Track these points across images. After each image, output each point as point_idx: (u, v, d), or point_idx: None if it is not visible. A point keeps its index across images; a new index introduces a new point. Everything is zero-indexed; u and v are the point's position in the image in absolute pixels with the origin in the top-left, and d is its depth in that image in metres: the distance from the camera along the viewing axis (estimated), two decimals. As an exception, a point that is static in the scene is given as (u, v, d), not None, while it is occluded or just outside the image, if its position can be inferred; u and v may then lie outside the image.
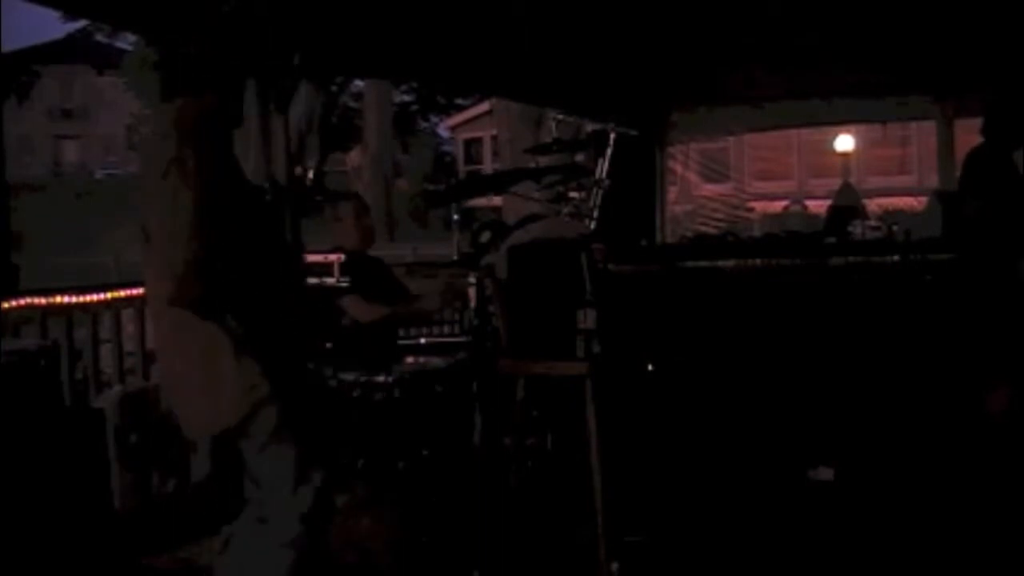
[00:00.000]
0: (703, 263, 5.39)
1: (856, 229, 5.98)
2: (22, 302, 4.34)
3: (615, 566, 3.25)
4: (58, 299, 4.69)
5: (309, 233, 3.72)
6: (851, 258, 5.37)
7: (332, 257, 3.89)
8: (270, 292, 2.73)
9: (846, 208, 6.79)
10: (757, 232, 10.39)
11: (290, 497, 2.70)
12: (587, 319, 3.30)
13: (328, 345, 4.17)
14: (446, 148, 35.77)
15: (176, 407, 2.84)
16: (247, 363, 2.62)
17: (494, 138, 23.34)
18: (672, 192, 9.88)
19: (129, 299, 5.06)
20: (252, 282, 2.66)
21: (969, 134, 5.68)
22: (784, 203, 17.10)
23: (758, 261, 5.37)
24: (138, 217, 2.74)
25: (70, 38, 35.47)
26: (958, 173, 5.14)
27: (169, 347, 2.77)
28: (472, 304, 3.46)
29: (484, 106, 27.06)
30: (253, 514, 2.77)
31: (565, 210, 3.77)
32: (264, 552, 2.72)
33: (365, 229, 4.50)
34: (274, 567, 2.71)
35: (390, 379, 3.95)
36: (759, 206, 16.85)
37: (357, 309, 4.16)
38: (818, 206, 12.33)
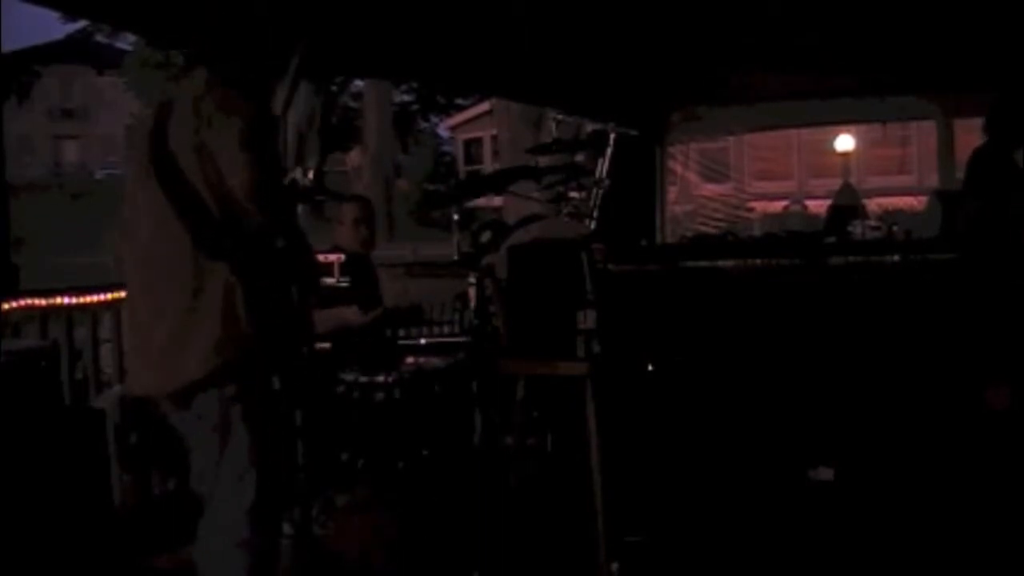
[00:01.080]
0: (703, 263, 5.38)
1: (856, 229, 5.97)
2: (22, 302, 4.34)
3: (615, 566, 3.25)
4: (58, 299, 4.68)
5: (310, 233, 3.71)
6: (851, 258, 5.36)
7: (332, 257, 3.89)
8: (274, 260, 2.68)
9: (846, 208, 6.79)
10: (757, 232, 10.40)
11: (234, 488, 2.61)
12: (587, 319, 3.30)
13: (327, 345, 4.17)
14: (446, 148, 35.76)
15: (134, 363, 2.76)
16: (233, 321, 2.55)
17: (494, 138, 23.33)
18: (672, 192, 9.89)
19: (129, 299, 5.05)
20: (259, 244, 2.61)
21: (969, 134, 5.68)
22: (784, 203, 17.14)
23: (758, 261, 5.36)
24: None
25: (70, 38, 35.42)
26: (958, 173, 5.15)
27: (144, 292, 2.68)
28: (472, 304, 3.46)
29: (484, 106, 27.05)
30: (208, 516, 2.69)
31: (565, 210, 3.76)
32: (218, 552, 2.63)
33: (363, 236, 4.51)
34: (229, 569, 2.62)
35: (390, 379, 3.95)
36: (759, 206, 16.88)
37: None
38: (818, 206, 12.36)
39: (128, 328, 2.81)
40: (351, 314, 4.18)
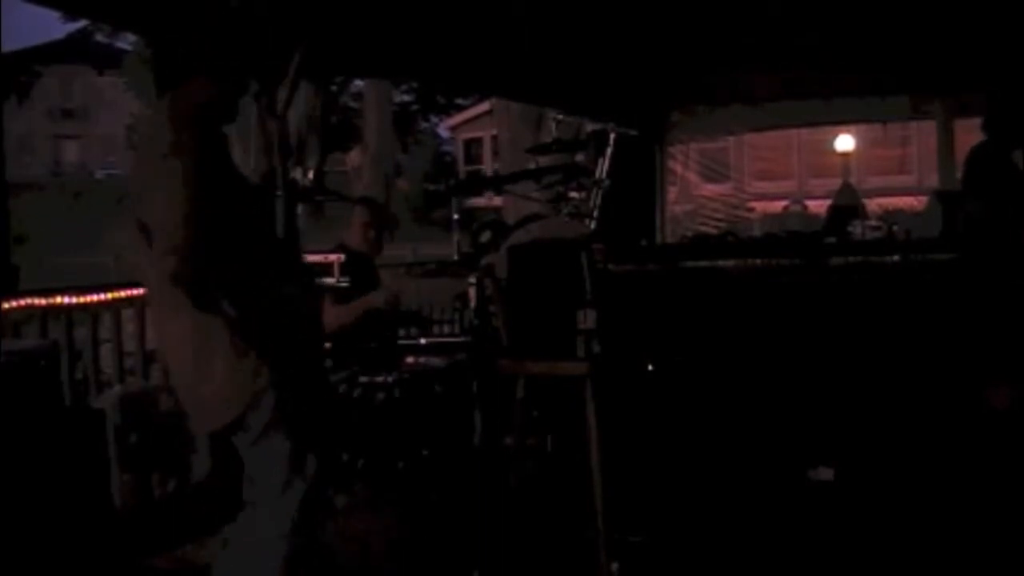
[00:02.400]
0: (703, 263, 5.39)
1: (856, 229, 5.98)
2: (22, 302, 4.34)
3: (615, 566, 3.25)
4: (58, 299, 4.68)
5: (310, 233, 3.71)
6: (851, 258, 5.37)
7: (332, 257, 3.90)
8: (262, 281, 2.70)
9: (846, 208, 6.81)
10: (757, 232, 10.40)
11: (280, 493, 2.66)
12: (587, 319, 3.29)
13: (328, 345, 4.17)
14: (446, 148, 35.73)
15: (183, 401, 2.79)
16: (245, 351, 2.58)
17: (494, 138, 23.32)
18: (672, 192, 9.89)
19: (129, 299, 5.06)
20: (243, 270, 2.63)
21: (969, 134, 5.68)
22: (784, 203, 17.07)
23: (758, 261, 5.37)
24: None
25: (70, 38, 35.35)
26: (958, 173, 5.15)
27: (169, 339, 2.72)
28: (472, 304, 3.46)
29: (484, 106, 27.04)
30: (249, 515, 2.76)
31: (565, 210, 3.77)
32: (257, 547, 2.67)
33: (370, 239, 4.53)
34: (267, 562, 2.66)
35: (390, 379, 3.95)
36: (759, 206, 16.84)
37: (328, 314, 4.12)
38: (818, 206, 12.33)
39: (158, 347, 2.83)
40: (374, 298, 4.17)
